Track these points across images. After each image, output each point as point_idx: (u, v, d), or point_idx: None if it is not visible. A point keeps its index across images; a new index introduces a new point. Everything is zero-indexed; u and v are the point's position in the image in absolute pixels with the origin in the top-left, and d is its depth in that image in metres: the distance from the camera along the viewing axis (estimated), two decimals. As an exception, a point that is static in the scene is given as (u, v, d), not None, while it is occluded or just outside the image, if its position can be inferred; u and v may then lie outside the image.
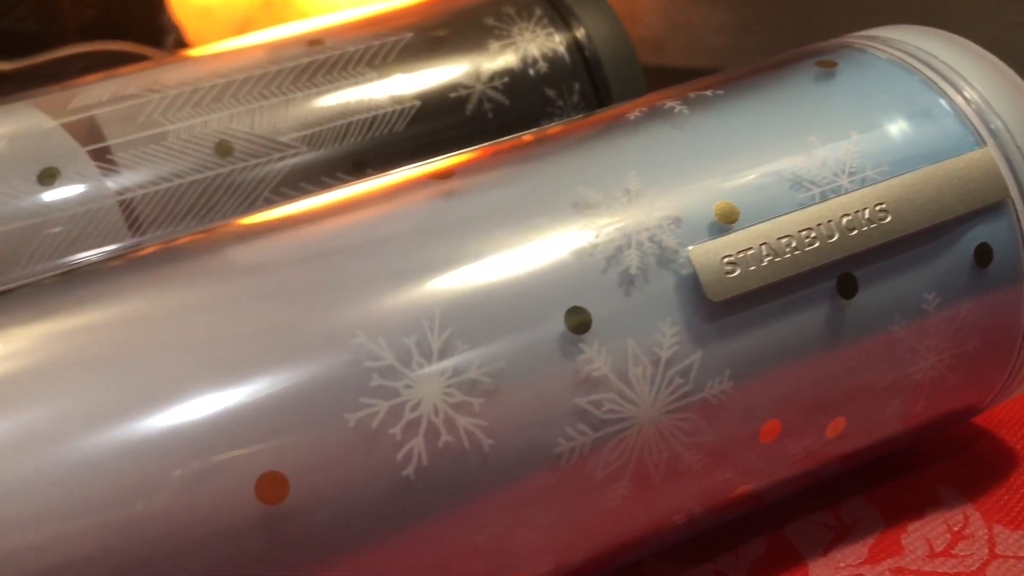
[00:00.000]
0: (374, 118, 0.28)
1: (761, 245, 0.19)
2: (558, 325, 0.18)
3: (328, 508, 0.17)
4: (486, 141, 0.22)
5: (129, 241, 0.26)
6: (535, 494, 0.18)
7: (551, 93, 0.29)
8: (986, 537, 0.23)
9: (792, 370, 0.20)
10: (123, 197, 0.26)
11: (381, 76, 0.28)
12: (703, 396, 0.19)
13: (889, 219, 0.20)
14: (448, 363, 0.17)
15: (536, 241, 0.19)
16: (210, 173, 0.26)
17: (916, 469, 0.25)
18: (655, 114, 0.21)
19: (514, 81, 0.29)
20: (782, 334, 0.19)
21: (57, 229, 0.25)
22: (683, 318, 0.19)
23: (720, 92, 0.22)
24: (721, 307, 0.19)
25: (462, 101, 0.28)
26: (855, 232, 0.20)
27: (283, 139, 0.27)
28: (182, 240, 0.19)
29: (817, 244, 0.19)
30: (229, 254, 0.18)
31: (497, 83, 0.29)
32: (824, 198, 0.20)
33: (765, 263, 0.19)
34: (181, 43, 0.49)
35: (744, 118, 0.21)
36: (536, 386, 0.18)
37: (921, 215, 0.20)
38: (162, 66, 0.28)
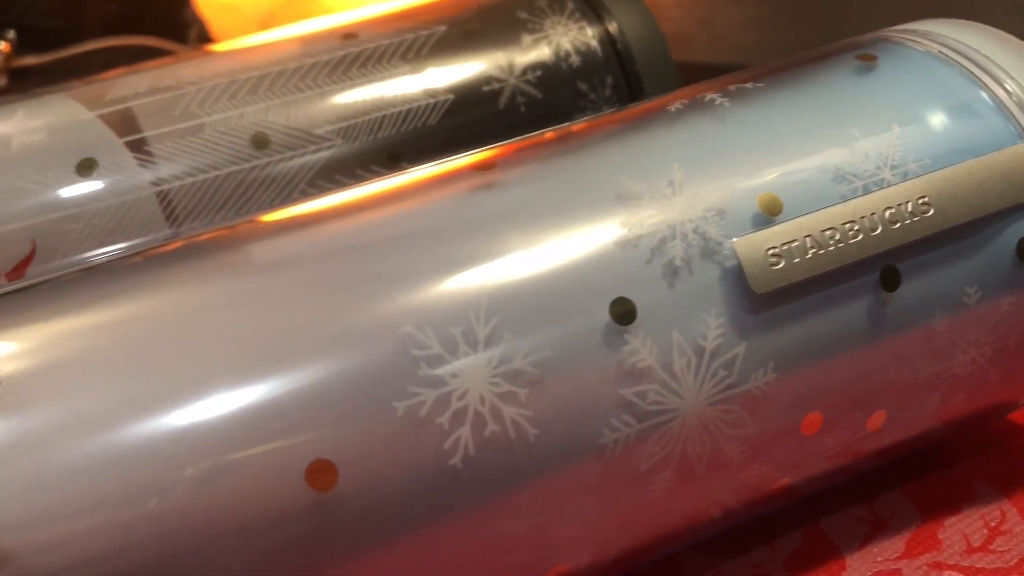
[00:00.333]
0: (408, 111, 0.28)
1: (805, 237, 0.19)
2: (603, 316, 0.18)
3: (376, 495, 0.17)
4: (519, 135, 0.22)
5: (165, 232, 0.26)
6: (579, 484, 0.18)
7: (583, 87, 0.29)
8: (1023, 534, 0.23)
9: (835, 363, 0.20)
10: (160, 188, 0.26)
11: (415, 70, 0.28)
12: (747, 388, 0.19)
13: (932, 212, 0.20)
14: (494, 352, 0.17)
15: (580, 232, 0.19)
16: (246, 165, 0.26)
17: (951, 464, 0.25)
18: (696, 106, 0.21)
19: (547, 75, 0.29)
20: (825, 326, 0.19)
21: (95, 219, 0.25)
22: (727, 310, 0.19)
23: (760, 85, 0.21)
24: (765, 299, 0.19)
25: (495, 94, 0.29)
26: (898, 225, 0.20)
27: (318, 131, 0.27)
28: (232, 232, 0.19)
29: (861, 237, 0.19)
30: (278, 247, 0.18)
31: (530, 76, 0.29)
32: (867, 191, 0.20)
33: (809, 255, 0.19)
34: (203, 38, 0.49)
35: (785, 111, 0.21)
36: (581, 376, 0.18)
37: (964, 209, 0.20)
38: (197, 59, 0.28)
